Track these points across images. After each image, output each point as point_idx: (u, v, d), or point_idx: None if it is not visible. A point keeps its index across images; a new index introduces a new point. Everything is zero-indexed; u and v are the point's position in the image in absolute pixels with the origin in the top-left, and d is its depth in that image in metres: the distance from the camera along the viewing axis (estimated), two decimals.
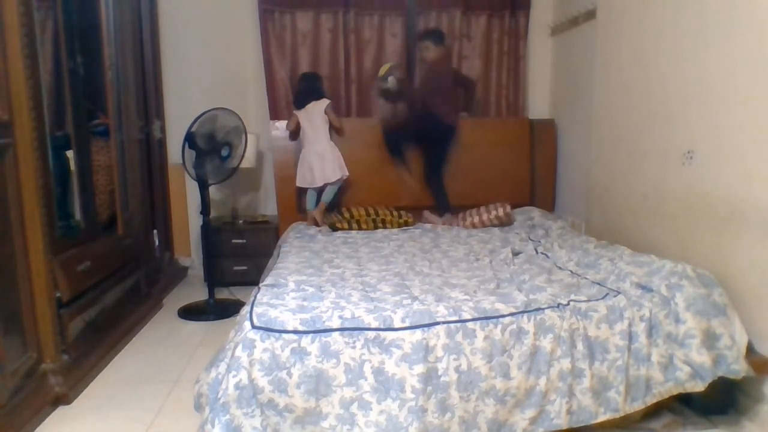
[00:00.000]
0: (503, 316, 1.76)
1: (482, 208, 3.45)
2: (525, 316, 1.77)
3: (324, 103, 3.51)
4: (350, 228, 3.26)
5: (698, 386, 1.84)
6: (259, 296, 1.91)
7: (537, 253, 2.71)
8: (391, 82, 3.43)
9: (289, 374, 1.60)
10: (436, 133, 3.49)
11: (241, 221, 3.79)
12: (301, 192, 3.65)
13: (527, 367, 1.73)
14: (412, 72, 3.90)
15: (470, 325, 1.72)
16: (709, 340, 1.88)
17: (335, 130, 3.59)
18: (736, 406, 2.04)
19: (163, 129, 3.76)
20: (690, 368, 1.84)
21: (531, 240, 2.99)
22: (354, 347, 1.65)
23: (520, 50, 3.92)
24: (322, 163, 3.47)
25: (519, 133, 3.84)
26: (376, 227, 3.36)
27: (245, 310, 1.80)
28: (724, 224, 2.16)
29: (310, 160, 3.49)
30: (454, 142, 3.61)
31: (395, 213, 3.46)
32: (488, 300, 1.86)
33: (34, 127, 2.04)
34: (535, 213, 3.48)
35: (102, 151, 2.83)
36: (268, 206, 4.03)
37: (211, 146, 3.14)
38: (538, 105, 4.05)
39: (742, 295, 2.03)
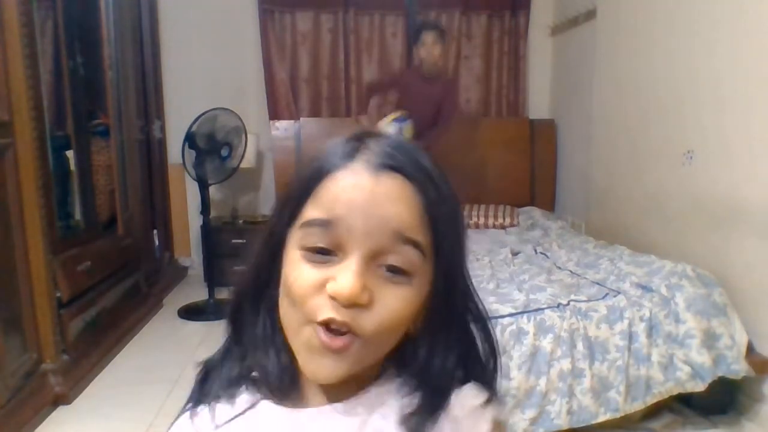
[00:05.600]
0: (503, 316, 1.76)
1: (489, 211, 3.44)
2: (525, 316, 1.77)
3: None
4: None
5: (698, 386, 1.84)
6: None
7: (536, 252, 2.71)
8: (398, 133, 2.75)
9: None
10: None
11: (241, 221, 3.78)
12: None
13: (527, 368, 1.72)
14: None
15: None
16: (709, 340, 1.88)
17: None
18: (736, 406, 2.04)
19: (163, 129, 3.76)
20: (690, 368, 1.84)
21: (529, 240, 2.99)
22: None
23: (520, 50, 3.92)
24: None
25: (519, 133, 3.83)
26: None
27: None
28: (724, 224, 2.16)
29: None
30: None
31: None
32: (487, 300, 1.86)
33: (34, 127, 2.04)
34: (536, 213, 3.47)
35: (102, 151, 2.83)
36: (268, 206, 4.02)
37: (211, 146, 3.13)
38: (538, 105, 4.04)
39: (742, 295, 2.03)
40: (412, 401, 0.50)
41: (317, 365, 0.47)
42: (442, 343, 0.52)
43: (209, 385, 0.55)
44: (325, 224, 0.46)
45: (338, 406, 0.51)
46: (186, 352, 2.64)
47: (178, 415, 0.55)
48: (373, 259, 0.46)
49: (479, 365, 0.55)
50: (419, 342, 0.51)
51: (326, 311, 0.46)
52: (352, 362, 0.47)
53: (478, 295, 0.55)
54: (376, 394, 0.52)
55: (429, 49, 2.84)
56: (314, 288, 0.46)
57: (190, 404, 0.55)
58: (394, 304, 0.47)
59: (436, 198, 0.48)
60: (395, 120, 2.79)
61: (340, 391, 0.51)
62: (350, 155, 0.48)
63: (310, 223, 0.47)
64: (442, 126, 3.03)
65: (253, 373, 0.54)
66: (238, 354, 0.54)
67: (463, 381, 0.53)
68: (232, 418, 0.52)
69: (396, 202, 0.46)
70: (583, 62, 3.45)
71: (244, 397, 0.53)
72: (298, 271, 0.47)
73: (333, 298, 0.45)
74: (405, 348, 0.52)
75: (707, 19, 2.26)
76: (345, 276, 0.45)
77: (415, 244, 0.47)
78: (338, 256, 0.47)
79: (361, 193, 0.46)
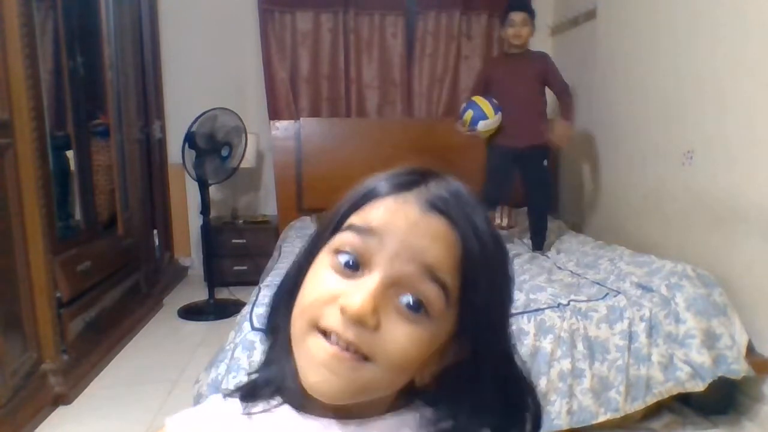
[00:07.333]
0: None
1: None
2: (525, 316, 1.77)
3: None
4: None
5: (698, 386, 1.84)
6: (259, 297, 1.91)
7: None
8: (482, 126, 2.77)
9: None
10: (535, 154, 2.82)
11: (241, 221, 3.78)
12: (300, 191, 3.65)
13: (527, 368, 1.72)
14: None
15: None
16: (709, 340, 1.88)
17: None
18: (736, 406, 2.04)
19: (163, 129, 3.76)
20: (690, 368, 1.84)
21: (524, 242, 2.98)
22: None
23: None
24: None
25: None
26: None
27: (245, 311, 1.79)
28: (724, 224, 2.16)
29: None
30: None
31: None
32: None
33: (34, 127, 2.04)
34: None
35: (102, 151, 2.83)
36: (268, 206, 4.03)
37: (211, 146, 3.14)
38: None
39: (742, 295, 2.03)
40: None
41: (317, 377, 0.46)
42: (468, 403, 0.50)
43: (253, 386, 0.56)
44: (361, 231, 0.46)
45: (350, 423, 0.50)
46: (186, 352, 2.64)
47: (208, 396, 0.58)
48: (394, 286, 0.45)
49: None
50: (439, 395, 0.50)
51: (332, 321, 0.45)
52: (353, 384, 0.46)
53: (526, 377, 0.55)
54: (393, 423, 0.50)
55: (518, 29, 2.67)
56: (329, 297, 0.46)
57: (231, 391, 0.57)
58: (402, 340, 0.45)
59: (477, 252, 0.47)
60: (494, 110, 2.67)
61: (352, 413, 0.49)
62: (406, 187, 0.48)
63: (348, 227, 0.48)
64: (566, 97, 2.80)
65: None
66: (273, 357, 0.55)
67: None
68: (250, 413, 0.53)
69: (435, 241, 0.46)
70: (583, 62, 3.44)
71: (273, 401, 0.53)
72: (321, 277, 0.48)
73: (342, 311, 0.45)
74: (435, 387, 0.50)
75: (708, 18, 2.26)
76: (359, 293, 0.44)
77: (442, 285, 0.46)
78: (363, 273, 0.46)
79: (404, 221, 0.45)
